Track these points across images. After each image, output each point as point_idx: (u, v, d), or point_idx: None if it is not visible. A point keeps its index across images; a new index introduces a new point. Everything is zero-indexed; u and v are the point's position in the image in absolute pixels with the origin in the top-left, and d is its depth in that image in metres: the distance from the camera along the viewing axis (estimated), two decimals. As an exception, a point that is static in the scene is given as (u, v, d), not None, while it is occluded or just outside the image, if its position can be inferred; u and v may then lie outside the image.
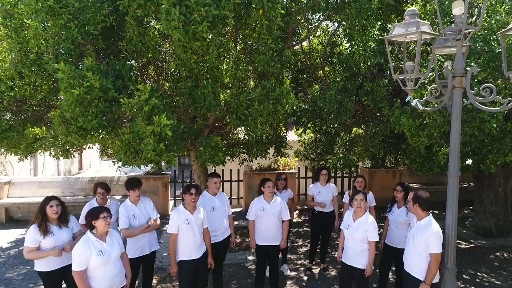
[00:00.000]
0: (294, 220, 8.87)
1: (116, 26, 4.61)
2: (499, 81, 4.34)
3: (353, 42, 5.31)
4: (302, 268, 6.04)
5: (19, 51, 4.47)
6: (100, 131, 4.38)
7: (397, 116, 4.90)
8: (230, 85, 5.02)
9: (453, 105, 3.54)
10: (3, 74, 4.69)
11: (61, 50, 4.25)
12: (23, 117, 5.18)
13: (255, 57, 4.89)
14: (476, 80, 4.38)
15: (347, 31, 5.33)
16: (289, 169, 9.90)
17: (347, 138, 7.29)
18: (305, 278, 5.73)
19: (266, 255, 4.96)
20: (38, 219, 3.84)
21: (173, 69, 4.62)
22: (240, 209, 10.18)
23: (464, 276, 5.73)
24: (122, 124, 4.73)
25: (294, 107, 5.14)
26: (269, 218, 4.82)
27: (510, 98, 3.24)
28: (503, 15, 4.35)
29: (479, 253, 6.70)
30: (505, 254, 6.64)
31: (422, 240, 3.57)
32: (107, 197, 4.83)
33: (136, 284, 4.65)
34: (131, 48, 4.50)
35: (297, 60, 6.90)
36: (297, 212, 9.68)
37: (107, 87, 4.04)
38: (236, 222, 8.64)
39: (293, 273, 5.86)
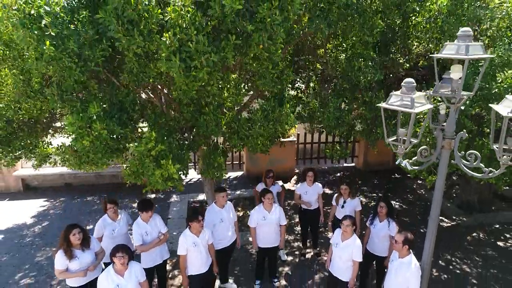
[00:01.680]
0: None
1: (115, 56, 4.58)
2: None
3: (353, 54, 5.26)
4: (297, 252, 6.79)
5: (22, 82, 4.53)
6: (110, 161, 4.67)
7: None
8: (231, 108, 5.13)
9: (440, 164, 3.79)
10: (8, 99, 4.79)
11: (63, 89, 4.33)
12: (34, 134, 5.39)
13: (255, 79, 4.93)
14: (469, 112, 4.53)
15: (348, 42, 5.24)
16: (288, 137, 10.22)
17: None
18: (299, 262, 6.50)
19: (266, 254, 5.66)
20: (64, 246, 4.38)
21: (174, 97, 4.70)
22: (242, 172, 10.75)
23: (439, 262, 6.49)
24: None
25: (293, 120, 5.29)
26: (269, 226, 5.41)
27: (492, 169, 3.48)
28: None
29: (459, 233, 7.41)
30: (481, 235, 7.35)
31: (405, 277, 4.13)
32: (118, 210, 5.31)
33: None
34: (132, 78, 4.55)
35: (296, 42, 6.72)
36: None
37: (114, 129, 4.23)
38: (238, 192, 9.29)
39: (289, 258, 6.62)
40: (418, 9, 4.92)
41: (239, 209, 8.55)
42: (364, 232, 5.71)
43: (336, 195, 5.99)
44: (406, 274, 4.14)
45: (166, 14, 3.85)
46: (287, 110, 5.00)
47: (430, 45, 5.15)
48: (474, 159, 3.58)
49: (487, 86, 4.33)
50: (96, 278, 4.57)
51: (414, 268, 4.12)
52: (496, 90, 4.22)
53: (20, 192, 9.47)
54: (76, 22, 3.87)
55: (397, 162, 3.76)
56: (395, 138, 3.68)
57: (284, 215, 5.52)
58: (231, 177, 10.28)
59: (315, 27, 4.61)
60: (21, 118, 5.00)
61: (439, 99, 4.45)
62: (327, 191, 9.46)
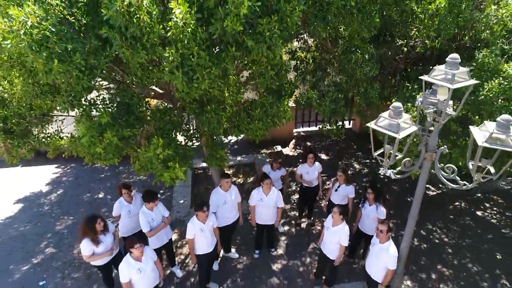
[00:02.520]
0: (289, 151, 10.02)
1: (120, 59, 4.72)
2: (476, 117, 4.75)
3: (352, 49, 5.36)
4: (293, 222, 7.46)
5: (32, 86, 4.73)
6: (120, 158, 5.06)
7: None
8: (232, 105, 5.36)
9: (422, 173, 4.20)
10: (19, 98, 5.03)
11: (72, 94, 4.56)
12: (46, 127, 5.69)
13: (255, 76, 5.11)
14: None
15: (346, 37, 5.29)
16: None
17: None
18: (295, 232, 7.21)
19: (264, 228, 6.31)
20: (91, 235, 4.97)
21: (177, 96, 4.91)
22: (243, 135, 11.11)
23: (421, 231, 7.19)
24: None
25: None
26: (267, 207, 5.97)
27: (465, 183, 3.89)
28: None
29: (442, 202, 8.04)
30: (462, 204, 7.98)
31: (384, 260, 4.76)
32: (132, 193, 5.83)
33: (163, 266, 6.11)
34: (137, 81, 4.75)
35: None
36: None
37: (123, 135, 4.55)
38: (238, 158, 9.77)
39: (285, 227, 7.32)
40: (416, 8, 4.91)
41: (240, 176, 9.11)
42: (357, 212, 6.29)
43: (333, 179, 6.47)
44: (385, 257, 4.77)
45: (168, 29, 3.96)
46: (285, 106, 5.25)
47: (427, 41, 5.22)
48: (451, 171, 3.98)
49: (476, 93, 4.55)
50: (116, 256, 5.31)
51: (392, 253, 4.72)
52: (483, 97, 4.45)
53: (32, 158, 9.96)
54: (78, 33, 4.00)
55: (382, 172, 4.15)
56: (382, 151, 4.03)
57: (281, 198, 6.04)
58: (231, 141, 10.69)
59: (313, 29, 4.70)
60: (33, 114, 5.27)
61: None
62: (323, 156, 9.96)
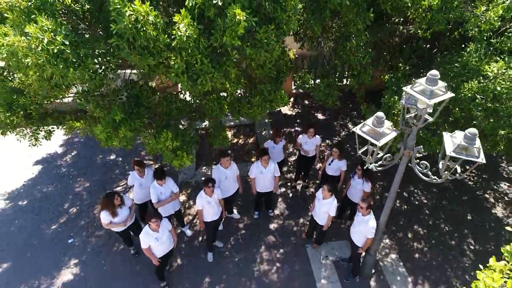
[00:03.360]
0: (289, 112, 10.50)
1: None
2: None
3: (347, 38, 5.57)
4: (289, 184, 8.25)
5: (48, 82, 5.11)
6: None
7: (371, 111, 5.91)
8: (233, 93, 5.72)
9: (400, 166, 4.80)
10: (35, 88, 5.41)
11: (86, 91, 4.97)
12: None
13: (253, 68, 5.43)
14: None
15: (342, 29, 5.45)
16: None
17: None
18: (291, 194, 8.03)
19: (263, 195, 7.10)
20: (110, 209, 5.75)
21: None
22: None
23: (404, 193, 8.01)
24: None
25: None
26: (265, 178, 6.70)
27: (436, 178, 4.50)
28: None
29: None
30: (445, 166, 8.68)
31: (364, 229, 5.58)
32: (145, 168, 6.48)
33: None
34: (144, 75, 5.12)
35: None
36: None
37: (135, 127, 5.06)
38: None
39: (282, 189, 8.12)
40: (410, 4, 5.03)
41: (241, 137, 9.71)
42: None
43: (327, 153, 7.06)
44: (365, 228, 5.58)
45: (173, 37, 4.25)
46: (282, 94, 5.65)
47: (419, 31, 5.41)
48: (424, 167, 4.57)
49: (457, 90, 4.94)
50: (132, 224, 6.16)
51: (370, 224, 5.51)
52: (462, 95, 4.87)
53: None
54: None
55: (365, 167, 4.74)
56: (365, 148, 4.57)
57: (278, 169, 6.73)
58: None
59: (309, 26, 4.93)
60: (48, 102, 5.69)
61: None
62: (320, 116, 10.46)
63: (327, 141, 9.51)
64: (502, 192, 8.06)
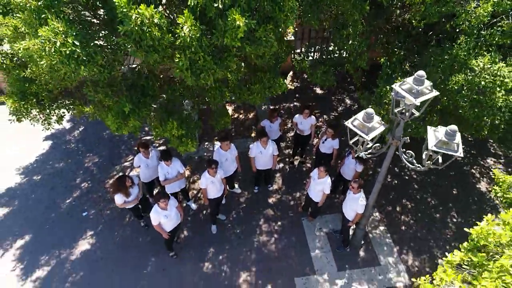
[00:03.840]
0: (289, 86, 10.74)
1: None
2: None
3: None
4: (287, 159, 8.72)
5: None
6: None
7: (365, 97, 6.24)
8: (234, 80, 5.98)
9: (387, 155, 5.21)
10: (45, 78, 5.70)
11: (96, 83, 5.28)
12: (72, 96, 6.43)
13: (253, 59, 5.68)
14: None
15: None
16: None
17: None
18: (288, 170, 8.52)
19: (262, 172, 7.59)
20: (123, 191, 6.25)
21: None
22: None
23: (395, 169, 8.48)
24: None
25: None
26: (265, 157, 7.16)
27: (419, 165, 4.93)
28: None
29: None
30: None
31: (354, 206, 6.11)
32: (150, 150, 6.91)
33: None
34: (149, 67, 5.40)
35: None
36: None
37: (142, 116, 5.42)
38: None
39: (280, 165, 8.60)
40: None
41: (241, 112, 10.04)
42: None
43: (322, 132, 7.45)
44: (355, 205, 6.11)
45: (177, 36, 4.49)
46: (281, 81, 5.94)
47: (413, 21, 5.58)
48: (409, 156, 4.99)
49: (445, 82, 5.23)
50: (142, 198, 6.71)
51: (360, 202, 6.04)
52: (450, 87, 5.17)
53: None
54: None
55: (355, 155, 5.15)
56: (357, 139, 4.95)
57: (276, 148, 7.17)
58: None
59: (307, 21, 5.14)
60: (59, 89, 5.99)
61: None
62: (318, 90, 10.70)
63: (324, 116, 9.85)
64: (488, 168, 8.55)
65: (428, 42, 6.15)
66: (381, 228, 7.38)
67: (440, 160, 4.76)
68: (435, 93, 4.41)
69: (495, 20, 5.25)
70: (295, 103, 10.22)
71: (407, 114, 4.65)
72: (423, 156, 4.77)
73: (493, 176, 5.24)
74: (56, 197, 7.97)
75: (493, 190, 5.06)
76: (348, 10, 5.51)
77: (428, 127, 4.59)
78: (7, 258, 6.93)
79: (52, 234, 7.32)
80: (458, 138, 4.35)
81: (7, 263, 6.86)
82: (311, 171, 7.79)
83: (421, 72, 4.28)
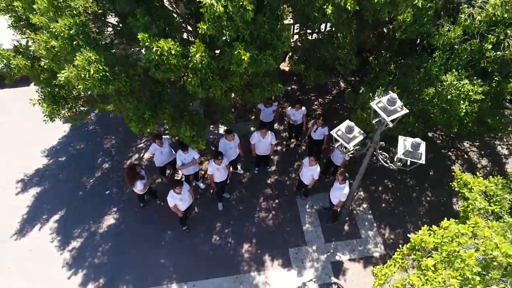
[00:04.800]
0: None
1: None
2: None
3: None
4: (284, 142, 9.71)
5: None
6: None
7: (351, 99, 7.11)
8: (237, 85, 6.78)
9: (367, 154, 6.20)
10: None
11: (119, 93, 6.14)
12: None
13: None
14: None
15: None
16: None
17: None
18: (285, 151, 9.55)
19: (261, 158, 8.65)
20: (138, 177, 7.33)
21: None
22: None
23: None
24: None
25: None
26: (264, 145, 8.18)
27: (391, 165, 5.93)
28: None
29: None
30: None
31: (339, 194, 7.22)
32: (163, 140, 7.89)
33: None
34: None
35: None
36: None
37: (160, 119, 6.35)
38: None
39: (278, 147, 9.61)
40: (387, 19, 5.81)
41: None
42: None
43: (312, 121, 8.38)
44: (339, 193, 7.23)
45: (190, 59, 5.29)
46: (278, 86, 6.77)
47: (396, 34, 6.29)
48: (385, 156, 5.99)
49: (420, 91, 6.09)
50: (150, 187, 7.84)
51: (344, 191, 7.14)
52: (423, 97, 6.04)
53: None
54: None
55: (339, 155, 6.14)
56: (339, 143, 5.91)
57: (274, 137, 8.15)
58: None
59: (300, 40, 5.89)
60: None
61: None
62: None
63: (319, 99, 10.69)
64: (464, 150, 9.57)
65: (410, 49, 6.89)
66: (364, 205, 8.56)
67: (409, 163, 5.77)
68: (405, 111, 5.32)
69: (466, 37, 5.98)
70: (293, 86, 10.99)
71: (383, 125, 5.58)
72: (395, 159, 5.77)
73: (453, 173, 6.24)
74: (81, 176, 9.08)
75: (452, 185, 6.13)
76: (337, 26, 6.21)
77: (400, 136, 5.55)
78: (45, 231, 8.18)
79: (81, 210, 8.51)
80: (422, 148, 5.34)
81: (45, 235, 8.12)
82: (305, 153, 8.84)
83: (394, 95, 5.16)
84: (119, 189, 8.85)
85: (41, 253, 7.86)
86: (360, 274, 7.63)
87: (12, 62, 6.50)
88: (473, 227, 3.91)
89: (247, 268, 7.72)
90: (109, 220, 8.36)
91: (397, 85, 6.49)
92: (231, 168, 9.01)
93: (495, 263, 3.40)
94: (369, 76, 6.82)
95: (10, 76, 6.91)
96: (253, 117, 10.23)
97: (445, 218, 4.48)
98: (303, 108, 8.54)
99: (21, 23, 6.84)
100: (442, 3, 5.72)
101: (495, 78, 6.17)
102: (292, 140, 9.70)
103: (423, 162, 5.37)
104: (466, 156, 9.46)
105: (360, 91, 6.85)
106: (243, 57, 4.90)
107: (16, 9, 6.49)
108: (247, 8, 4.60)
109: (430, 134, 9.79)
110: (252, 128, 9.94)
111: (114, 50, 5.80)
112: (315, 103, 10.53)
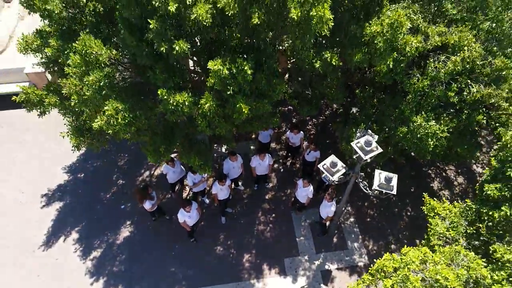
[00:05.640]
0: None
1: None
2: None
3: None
4: (281, 160, 10.76)
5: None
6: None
7: (339, 130, 8.15)
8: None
9: (349, 182, 7.26)
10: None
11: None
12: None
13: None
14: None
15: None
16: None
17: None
18: (282, 170, 10.61)
19: (260, 177, 9.71)
20: (148, 197, 8.40)
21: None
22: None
23: (368, 170, 10.54)
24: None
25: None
26: (262, 167, 9.24)
27: (369, 191, 6.98)
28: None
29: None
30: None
31: (327, 211, 8.28)
32: (174, 161, 8.95)
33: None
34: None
35: None
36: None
37: (172, 147, 7.40)
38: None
39: (275, 165, 10.66)
40: (367, 68, 6.83)
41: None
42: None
43: (305, 145, 9.44)
44: (327, 210, 8.29)
45: (200, 106, 6.31)
46: (275, 120, 7.80)
47: (376, 78, 7.32)
48: (365, 184, 7.04)
49: (395, 128, 7.13)
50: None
51: (332, 209, 8.21)
52: (397, 134, 7.09)
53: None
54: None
55: (327, 182, 7.18)
56: (325, 175, 6.95)
57: (271, 158, 9.20)
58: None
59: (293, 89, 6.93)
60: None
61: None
62: (310, 94, 12.44)
63: (313, 119, 11.72)
64: (443, 169, 10.62)
65: (388, 89, 7.93)
66: (351, 220, 9.64)
67: (384, 192, 6.83)
68: (380, 150, 6.38)
69: (434, 83, 7.00)
70: (289, 107, 12.01)
71: (362, 160, 6.63)
72: (373, 187, 6.83)
73: (423, 198, 7.29)
74: (98, 192, 10.14)
75: (423, 209, 7.18)
76: (326, 74, 7.24)
77: (376, 170, 6.61)
78: (68, 242, 9.26)
79: (100, 222, 9.58)
80: (393, 182, 6.39)
81: (69, 246, 9.20)
82: (300, 171, 9.87)
83: (369, 138, 6.20)
84: (132, 204, 9.91)
85: (66, 262, 8.94)
86: (346, 282, 8.71)
87: (45, 100, 7.55)
88: (424, 254, 4.96)
89: (247, 275, 8.81)
90: (125, 232, 9.43)
91: (376, 122, 7.54)
92: (233, 185, 10.09)
93: (437, 285, 4.44)
94: (355, 109, 7.86)
95: (41, 111, 7.93)
96: (253, 135, 11.27)
97: (405, 245, 5.55)
98: (301, 132, 9.58)
99: (50, 65, 7.87)
100: (413, 56, 6.74)
101: (466, 111, 7.16)
102: (288, 159, 10.75)
103: (394, 193, 6.42)
104: (444, 174, 10.52)
105: (346, 126, 7.88)
106: (243, 110, 5.93)
107: (47, 54, 7.50)
108: (247, 72, 5.63)
109: (412, 153, 10.83)
110: (252, 147, 10.99)
111: (132, 93, 6.80)
112: (309, 123, 11.56)
